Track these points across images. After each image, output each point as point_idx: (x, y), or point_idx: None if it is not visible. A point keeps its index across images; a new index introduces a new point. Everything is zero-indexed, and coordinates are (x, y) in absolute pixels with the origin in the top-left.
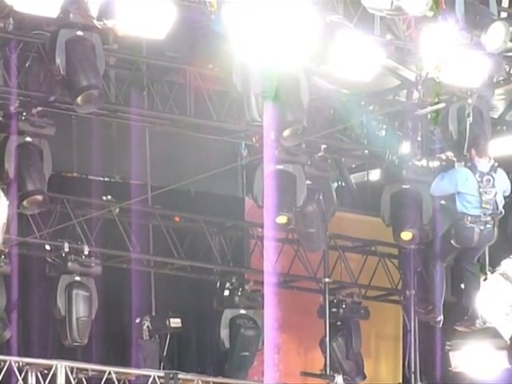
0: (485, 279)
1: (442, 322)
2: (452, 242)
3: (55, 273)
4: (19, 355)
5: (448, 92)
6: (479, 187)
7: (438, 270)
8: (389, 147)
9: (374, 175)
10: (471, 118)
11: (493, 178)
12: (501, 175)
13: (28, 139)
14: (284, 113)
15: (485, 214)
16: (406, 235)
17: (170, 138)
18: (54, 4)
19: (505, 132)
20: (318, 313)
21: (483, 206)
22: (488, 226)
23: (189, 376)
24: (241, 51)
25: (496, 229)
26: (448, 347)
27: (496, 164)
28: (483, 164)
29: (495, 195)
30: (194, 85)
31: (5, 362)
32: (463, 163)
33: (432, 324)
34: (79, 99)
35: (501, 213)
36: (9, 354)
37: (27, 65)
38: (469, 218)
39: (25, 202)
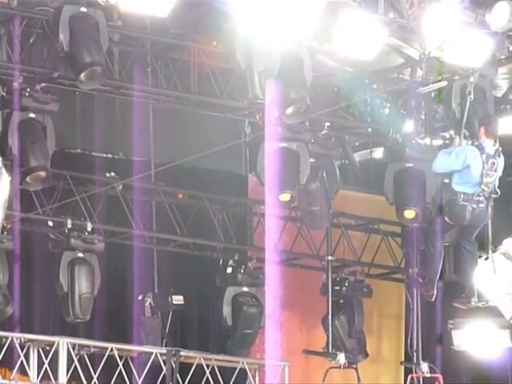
0: (486, 258)
1: (434, 297)
2: (446, 218)
3: (58, 249)
4: (21, 331)
5: (450, 71)
6: (483, 168)
7: (436, 246)
8: (392, 125)
9: (378, 153)
10: (472, 96)
11: (496, 163)
12: (501, 161)
13: (31, 115)
14: (287, 91)
15: (478, 195)
16: (409, 213)
17: (174, 115)
18: None
19: (508, 111)
20: (320, 291)
21: (482, 187)
22: (481, 205)
23: (191, 353)
24: (244, 29)
25: (490, 209)
26: (450, 326)
27: (500, 149)
28: (489, 146)
29: (495, 179)
30: (198, 62)
31: (7, 338)
32: (471, 142)
33: (426, 298)
34: (82, 76)
35: (496, 193)
36: (11, 330)
37: (31, 41)
38: (462, 196)
39: (28, 178)
